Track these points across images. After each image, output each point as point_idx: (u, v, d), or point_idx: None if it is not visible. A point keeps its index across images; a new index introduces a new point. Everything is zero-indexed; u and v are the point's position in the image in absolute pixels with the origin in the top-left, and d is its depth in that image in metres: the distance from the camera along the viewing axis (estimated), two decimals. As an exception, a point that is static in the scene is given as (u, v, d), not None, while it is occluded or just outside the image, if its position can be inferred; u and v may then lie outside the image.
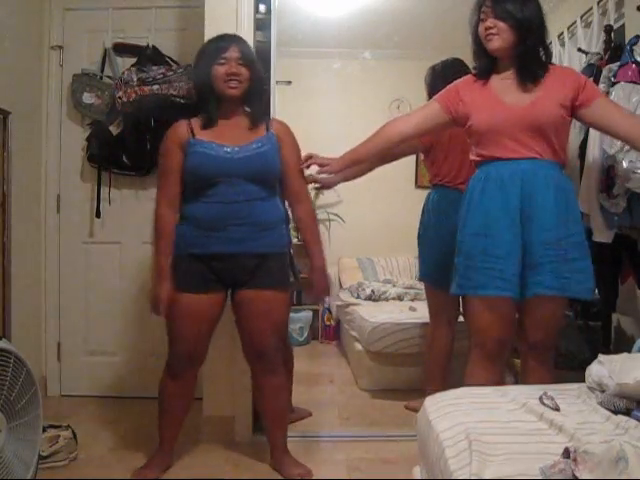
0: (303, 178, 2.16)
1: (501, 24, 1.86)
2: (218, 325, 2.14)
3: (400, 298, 4.15)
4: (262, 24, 2.54)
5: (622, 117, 1.86)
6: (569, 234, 1.87)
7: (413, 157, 4.76)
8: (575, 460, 1.07)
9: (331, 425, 2.73)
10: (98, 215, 2.96)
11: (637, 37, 2.24)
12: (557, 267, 1.84)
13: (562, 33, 3.16)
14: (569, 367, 2.46)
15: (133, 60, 2.91)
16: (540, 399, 1.47)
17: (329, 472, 2.21)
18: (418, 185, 4.90)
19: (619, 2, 2.66)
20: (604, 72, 2.30)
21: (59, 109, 3.04)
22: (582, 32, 2.91)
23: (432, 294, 2.78)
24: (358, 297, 4.21)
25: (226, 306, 2.14)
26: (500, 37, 1.87)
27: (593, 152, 2.28)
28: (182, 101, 2.76)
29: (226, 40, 2.06)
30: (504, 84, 1.93)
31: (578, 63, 2.73)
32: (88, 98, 2.93)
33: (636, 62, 2.18)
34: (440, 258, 2.34)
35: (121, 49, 2.99)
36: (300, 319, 4.51)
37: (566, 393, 1.56)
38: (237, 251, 2.01)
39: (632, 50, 2.22)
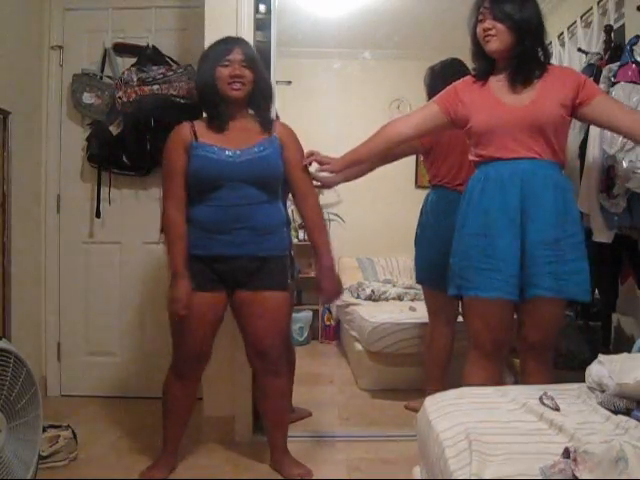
0: (309, 177, 2.16)
1: (499, 25, 1.86)
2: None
3: (400, 298, 4.16)
4: (262, 24, 2.54)
5: (624, 113, 1.86)
6: (568, 235, 1.87)
7: (413, 157, 4.76)
8: (575, 460, 1.07)
9: (331, 425, 2.73)
10: (98, 215, 2.97)
11: (637, 37, 2.24)
12: (556, 268, 1.84)
13: (562, 33, 3.17)
14: (569, 367, 2.46)
15: (133, 60, 2.92)
16: (540, 399, 1.46)
17: (329, 472, 2.21)
18: (418, 185, 4.91)
19: (619, 2, 2.66)
20: (604, 72, 2.30)
21: (59, 109, 3.04)
22: (582, 32, 2.91)
23: (430, 295, 2.77)
24: (358, 297, 4.21)
25: (227, 307, 2.14)
26: (498, 38, 1.87)
27: (593, 152, 2.28)
28: (182, 101, 2.77)
29: (230, 42, 2.06)
30: (503, 85, 1.92)
31: (578, 63, 2.73)
32: (88, 98, 2.93)
33: (636, 62, 2.18)
34: (439, 259, 2.33)
35: (121, 49, 2.99)
36: (300, 319, 4.51)
37: (566, 393, 1.56)
38: (239, 254, 2.02)
39: (632, 50, 2.22)
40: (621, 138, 2.11)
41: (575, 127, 2.35)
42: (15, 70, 2.72)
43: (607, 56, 2.42)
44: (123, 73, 2.82)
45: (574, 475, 1.05)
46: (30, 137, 2.88)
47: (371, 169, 2.58)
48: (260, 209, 2.03)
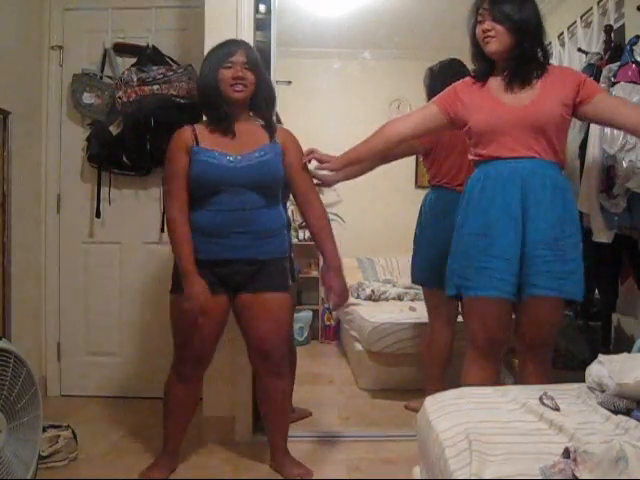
0: (312, 182, 2.16)
1: (499, 27, 1.85)
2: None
3: (400, 298, 4.16)
4: (262, 24, 2.54)
5: (628, 109, 1.86)
6: (567, 235, 1.87)
7: (413, 157, 4.75)
8: (575, 460, 1.07)
9: (331, 425, 2.73)
10: (98, 215, 2.97)
11: (637, 37, 2.24)
12: (554, 268, 1.84)
13: (562, 33, 3.17)
14: (569, 367, 2.46)
15: (133, 60, 2.92)
16: (540, 399, 1.46)
17: (329, 472, 2.21)
18: (418, 185, 4.91)
19: (619, 2, 2.66)
20: (604, 72, 2.30)
21: (59, 109, 3.04)
22: (582, 32, 2.91)
23: (430, 295, 2.78)
24: (358, 297, 4.21)
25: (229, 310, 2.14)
26: (498, 40, 1.87)
27: (593, 152, 2.28)
28: (182, 101, 2.77)
29: (233, 45, 2.06)
30: (503, 85, 1.92)
31: (578, 63, 2.73)
32: (88, 98, 2.93)
33: (636, 62, 2.18)
34: (438, 259, 2.34)
35: (121, 49, 2.99)
36: (300, 319, 4.51)
37: (566, 393, 1.56)
38: (239, 257, 2.02)
39: (632, 50, 2.22)
40: (621, 138, 2.11)
41: (575, 127, 2.34)
42: (15, 70, 2.72)
43: (607, 56, 2.42)
44: (123, 73, 2.82)
45: (574, 475, 1.05)
46: (30, 137, 2.88)
47: (371, 168, 2.58)
48: (260, 214, 2.03)
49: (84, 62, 3.00)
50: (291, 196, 2.22)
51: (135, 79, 2.76)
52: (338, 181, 2.40)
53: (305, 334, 4.59)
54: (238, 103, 2.04)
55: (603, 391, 1.48)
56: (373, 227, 4.78)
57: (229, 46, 2.05)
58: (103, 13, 2.99)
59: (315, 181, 2.23)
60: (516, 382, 2.39)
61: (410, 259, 2.88)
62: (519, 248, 1.86)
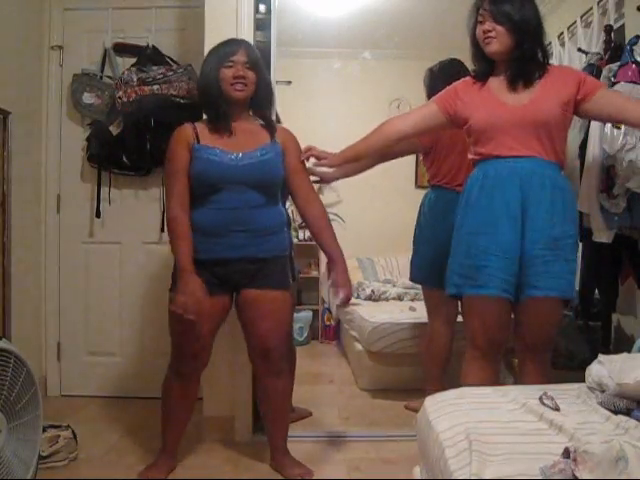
0: (310, 182, 2.17)
1: (499, 27, 1.85)
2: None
3: (400, 298, 4.16)
4: (262, 24, 2.54)
5: (631, 103, 1.86)
6: (566, 235, 1.87)
7: (413, 157, 4.76)
8: (575, 460, 1.07)
9: (331, 425, 2.73)
10: (98, 215, 2.97)
11: (637, 37, 2.24)
12: (553, 268, 1.85)
13: (562, 33, 3.17)
14: (569, 367, 2.46)
15: (133, 60, 2.92)
16: (540, 399, 1.46)
17: (329, 472, 2.21)
18: (418, 185, 4.91)
19: (619, 2, 2.66)
20: (604, 72, 2.30)
21: (59, 109, 3.04)
22: (582, 32, 2.91)
23: (430, 295, 2.78)
24: (358, 297, 4.21)
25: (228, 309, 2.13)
26: (498, 40, 1.87)
27: (593, 152, 2.28)
28: (182, 101, 2.77)
29: (234, 44, 2.06)
30: (503, 85, 1.93)
31: (578, 63, 2.73)
32: (88, 98, 2.93)
33: (636, 62, 2.19)
34: (438, 258, 2.34)
35: (121, 49, 2.99)
36: (300, 319, 4.51)
37: (566, 393, 1.56)
38: (239, 256, 2.02)
39: (632, 50, 2.22)
40: (621, 138, 2.11)
41: (575, 127, 2.34)
42: (15, 70, 2.72)
43: (607, 56, 2.43)
44: (123, 73, 2.81)
45: (574, 475, 1.05)
46: (30, 137, 2.88)
47: (370, 166, 2.58)
48: (260, 212, 2.03)
49: (84, 62, 3.01)
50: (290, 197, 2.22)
51: (135, 79, 2.76)
52: (337, 178, 2.40)
53: (305, 334, 4.59)
54: (238, 102, 2.05)
55: (603, 391, 1.48)
56: (373, 227, 4.78)
57: (230, 45, 2.05)
58: (103, 13, 2.99)
59: (314, 178, 2.23)
60: (516, 382, 2.39)
61: (410, 259, 2.89)
62: (518, 248, 1.86)
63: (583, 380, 1.59)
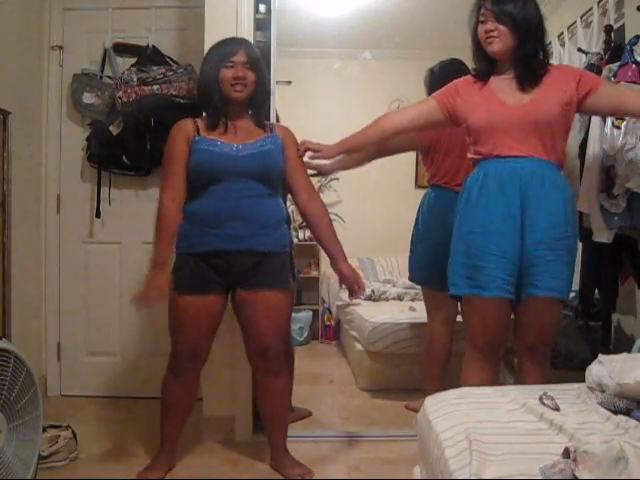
0: (309, 178, 2.17)
1: (501, 27, 1.86)
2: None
3: (400, 298, 4.16)
4: (262, 24, 2.54)
5: (632, 95, 1.86)
6: (566, 235, 1.87)
7: (413, 157, 4.76)
8: (575, 460, 1.07)
9: (331, 425, 2.73)
10: (98, 215, 2.96)
11: (637, 37, 2.24)
12: (553, 268, 1.85)
13: (562, 33, 3.17)
14: (569, 367, 2.46)
15: (133, 60, 2.92)
16: (540, 399, 1.46)
17: (329, 472, 2.21)
18: (418, 185, 4.91)
19: (619, 2, 2.66)
20: (604, 72, 2.30)
21: (59, 109, 3.04)
22: (582, 32, 2.91)
23: (429, 295, 2.77)
24: (358, 297, 4.20)
25: (226, 306, 2.13)
26: (500, 40, 1.87)
27: (593, 152, 2.28)
28: (182, 101, 2.77)
29: (234, 44, 2.07)
30: (503, 84, 1.93)
31: (578, 63, 2.74)
32: (88, 98, 2.93)
33: (636, 62, 2.18)
34: (436, 258, 2.34)
35: (121, 49, 2.99)
36: (300, 319, 4.51)
37: (566, 393, 1.56)
38: (237, 248, 2.01)
39: (632, 50, 2.22)
40: (621, 138, 2.11)
41: (575, 127, 2.34)
42: (15, 70, 2.72)
43: (607, 56, 2.43)
44: (123, 73, 2.81)
45: (574, 475, 1.05)
46: (30, 137, 2.88)
47: (368, 160, 2.58)
48: (257, 203, 2.03)
49: (84, 62, 3.01)
50: (290, 195, 2.22)
51: (135, 79, 2.76)
52: (334, 170, 2.40)
53: (305, 334, 4.59)
54: (238, 102, 2.05)
55: (603, 391, 1.48)
56: (373, 227, 4.78)
57: (230, 45, 2.06)
58: (103, 13, 2.99)
59: (311, 172, 2.23)
60: (516, 382, 2.39)
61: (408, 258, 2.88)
62: (518, 248, 1.86)
63: (583, 380, 1.59)
